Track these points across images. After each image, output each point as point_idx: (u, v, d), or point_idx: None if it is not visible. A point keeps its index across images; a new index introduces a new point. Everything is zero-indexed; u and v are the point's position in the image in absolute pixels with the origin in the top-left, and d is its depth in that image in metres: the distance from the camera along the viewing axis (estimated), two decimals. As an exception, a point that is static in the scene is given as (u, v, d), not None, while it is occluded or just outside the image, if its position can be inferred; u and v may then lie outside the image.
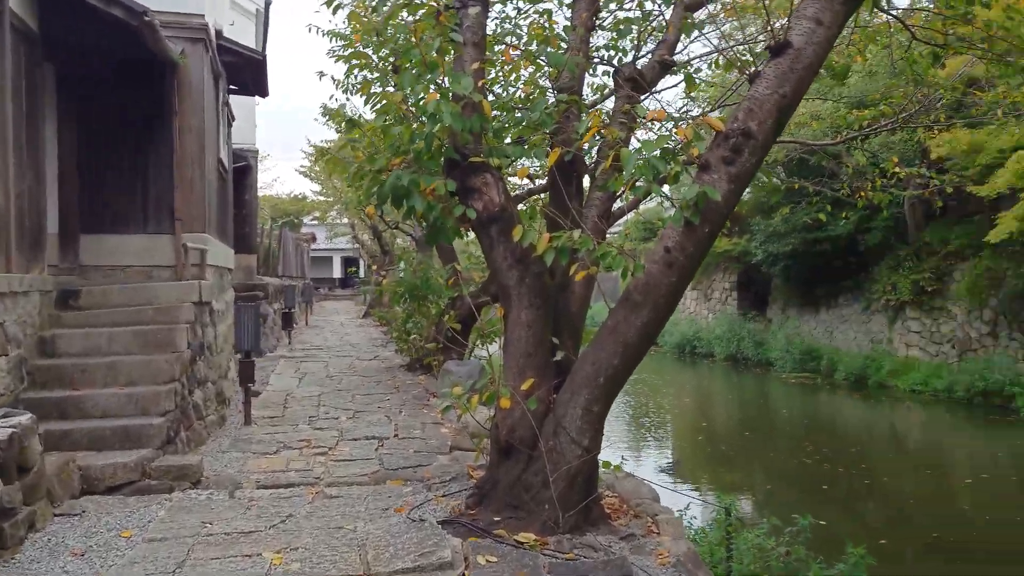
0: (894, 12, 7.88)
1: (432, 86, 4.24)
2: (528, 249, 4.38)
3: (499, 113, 5.10)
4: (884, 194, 13.10)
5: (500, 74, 5.73)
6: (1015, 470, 12.89)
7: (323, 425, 7.73)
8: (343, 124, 4.67)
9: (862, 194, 12.03)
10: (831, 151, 21.56)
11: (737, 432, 17.01)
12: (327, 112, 13.74)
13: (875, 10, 9.20)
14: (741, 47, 6.57)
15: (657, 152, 3.73)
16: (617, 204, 5.99)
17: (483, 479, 4.51)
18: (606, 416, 4.29)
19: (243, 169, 15.31)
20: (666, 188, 4.31)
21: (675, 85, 8.40)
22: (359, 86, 4.41)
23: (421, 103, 4.13)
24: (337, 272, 52.40)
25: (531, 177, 10.93)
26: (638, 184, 3.91)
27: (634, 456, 13.35)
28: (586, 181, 5.31)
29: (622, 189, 4.51)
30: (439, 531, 4.23)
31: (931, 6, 7.37)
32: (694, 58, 8.31)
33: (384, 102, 4.31)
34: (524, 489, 4.28)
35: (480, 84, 4.45)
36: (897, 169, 12.58)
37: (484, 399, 4.27)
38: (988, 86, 13.01)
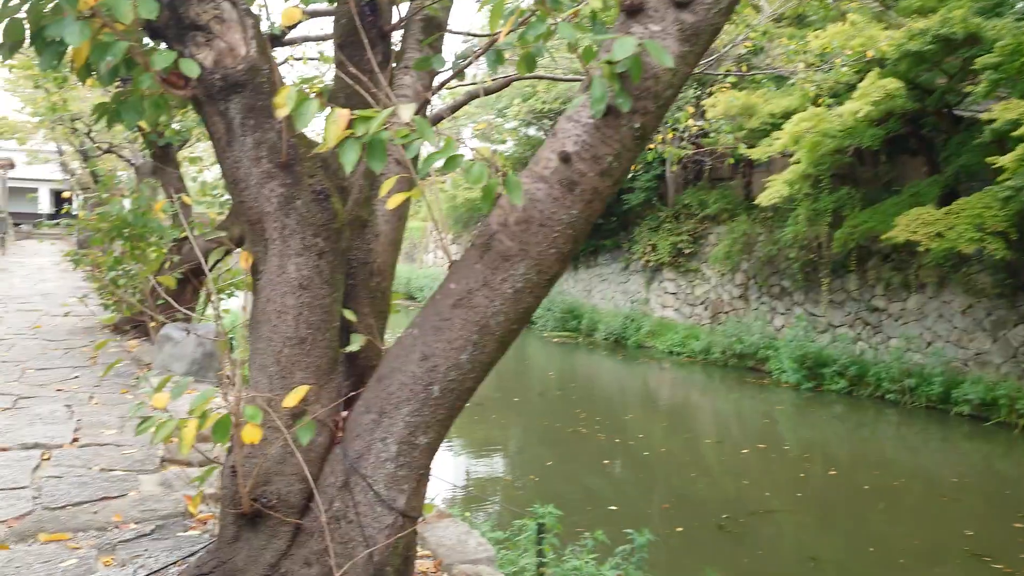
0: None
1: None
2: (300, 144, 2.37)
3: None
4: (677, 149, 12.34)
5: None
6: (786, 437, 12.88)
7: (-43, 422, 5.09)
8: None
9: (651, 147, 11.11)
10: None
11: (506, 397, 15.89)
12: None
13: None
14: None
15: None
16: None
17: (205, 563, 2.49)
18: (437, 451, 2.44)
19: None
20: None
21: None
22: None
23: None
24: (46, 207, 45.00)
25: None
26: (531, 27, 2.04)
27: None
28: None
29: (485, 46, 2.58)
30: None
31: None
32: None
33: None
34: (283, 588, 2.34)
35: None
36: (691, 122, 11.82)
37: (210, 427, 2.24)
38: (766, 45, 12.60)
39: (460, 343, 2.29)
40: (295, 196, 2.37)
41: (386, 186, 2.31)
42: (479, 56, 3.17)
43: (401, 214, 2.93)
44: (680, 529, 8.50)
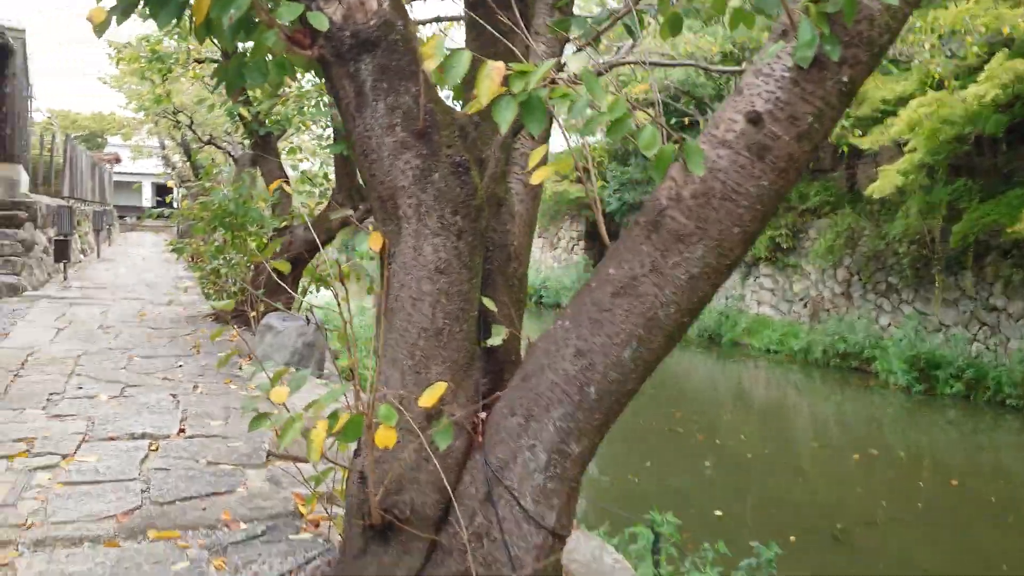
0: None
1: None
2: (438, 110, 2.09)
3: None
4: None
5: None
6: (899, 443, 12.10)
7: (67, 409, 5.05)
8: None
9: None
10: (696, 94, 20.49)
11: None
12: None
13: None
14: None
15: None
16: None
17: None
18: (589, 462, 2.13)
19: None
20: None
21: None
22: None
23: None
24: (148, 200, 47.00)
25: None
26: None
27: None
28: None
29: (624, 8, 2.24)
30: None
31: None
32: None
33: None
34: (416, 611, 2.08)
35: None
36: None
37: (340, 430, 1.99)
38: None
39: (622, 338, 1.97)
40: (432, 169, 2.09)
41: (535, 157, 2.01)
42: (621, 18, 2.84)
43: (536, 193, 2.63)
44: (793, 538, 7.98)
